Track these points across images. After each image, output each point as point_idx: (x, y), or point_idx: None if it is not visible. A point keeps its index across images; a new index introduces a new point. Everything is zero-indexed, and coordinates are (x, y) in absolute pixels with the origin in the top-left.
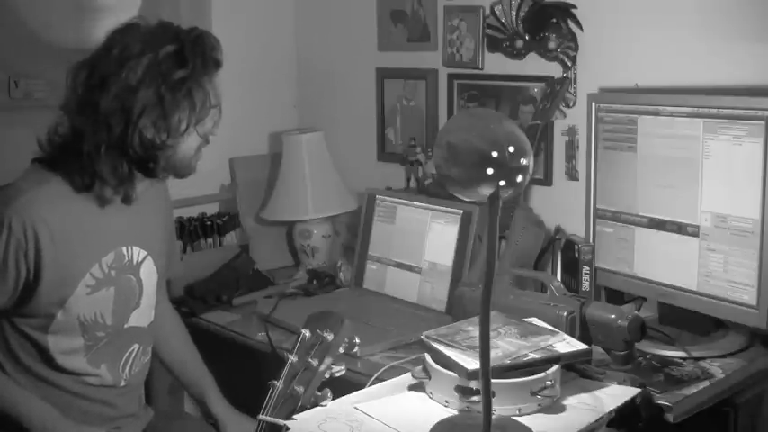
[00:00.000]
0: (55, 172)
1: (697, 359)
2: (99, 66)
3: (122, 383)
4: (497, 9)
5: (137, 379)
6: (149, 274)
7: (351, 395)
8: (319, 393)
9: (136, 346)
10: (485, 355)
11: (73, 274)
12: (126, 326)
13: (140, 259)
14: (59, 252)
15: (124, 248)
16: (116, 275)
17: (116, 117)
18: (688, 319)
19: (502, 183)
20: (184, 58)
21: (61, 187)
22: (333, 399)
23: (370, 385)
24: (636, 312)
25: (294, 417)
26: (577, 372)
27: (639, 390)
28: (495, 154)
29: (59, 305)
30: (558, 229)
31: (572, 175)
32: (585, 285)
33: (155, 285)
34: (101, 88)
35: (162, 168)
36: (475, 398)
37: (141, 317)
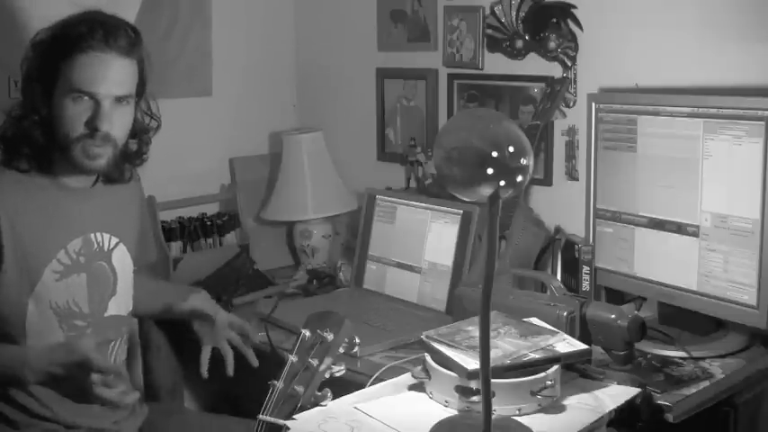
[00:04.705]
0: (4, 164)
1: (697, 359)
2: None
3: (111, 377)
4: (497, 9)
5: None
6: (123, 261)
7: (351, 395)
8: (319, 393)
9: (119, 336)
10: (485, 355)
11: (37, 260)
12: (107, 314)
13: (111, 246)
14: (21, 238)
15: (92, 235)
16: (86, 262)
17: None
18: (688, 319)
19: (502, 183)
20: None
21: (14, 175)
22: (333, 399)
23: (370, 385)
24: (636, 312)
25: (294, 417)
26: (577, 372)
27: (639, 390)
28: (495, 154)
29: (29, 293)
30: (558, 229)
31: (572, 175)
32: (585, 285)
33: (130, 272)
34: None
35: (52, 139)
36: (475, 398)
37: (120, 305)
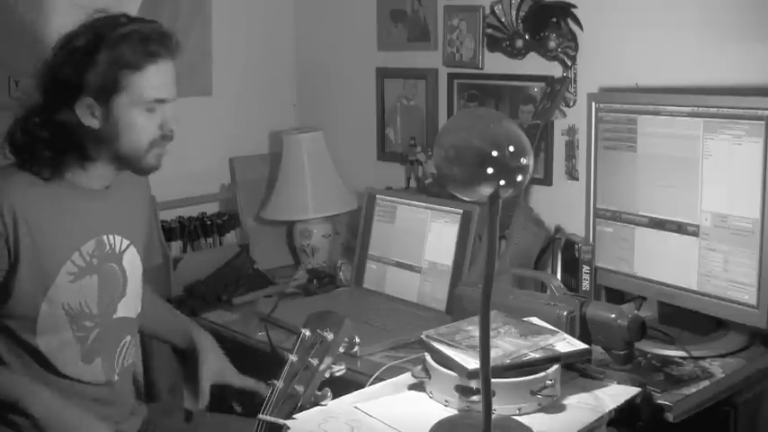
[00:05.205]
0: (19, 167)
1: (697, 359)
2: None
3: (115, 378)
4: (497, 9)
5: (127, 372)
6: (133, 263)
7: (351, 395)
8: (319, 393)
9: (128, 337)
10: (485, 355)
11: (52, 262)
12: (115, 316)
13: (123, 248)
14: (37, 240)
15: (105, 237)
16: (98, 264)
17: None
18: (688, 319)
19: (502, 182)
20: (90, 30)
21: (29, 177)
22: (333, 398)
23: (370, 385)
24: (636, 312)
25: (294, 416)
26: (577, 371)
27: (639, 389)
28: (495, 153)
29: (43, 294)
30: (558, 229)
31: (572, 174)
32: (585, 285)
33: (140, 275)
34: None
35: (111, 149)
36: (475, 397)
37: (129, 307)
